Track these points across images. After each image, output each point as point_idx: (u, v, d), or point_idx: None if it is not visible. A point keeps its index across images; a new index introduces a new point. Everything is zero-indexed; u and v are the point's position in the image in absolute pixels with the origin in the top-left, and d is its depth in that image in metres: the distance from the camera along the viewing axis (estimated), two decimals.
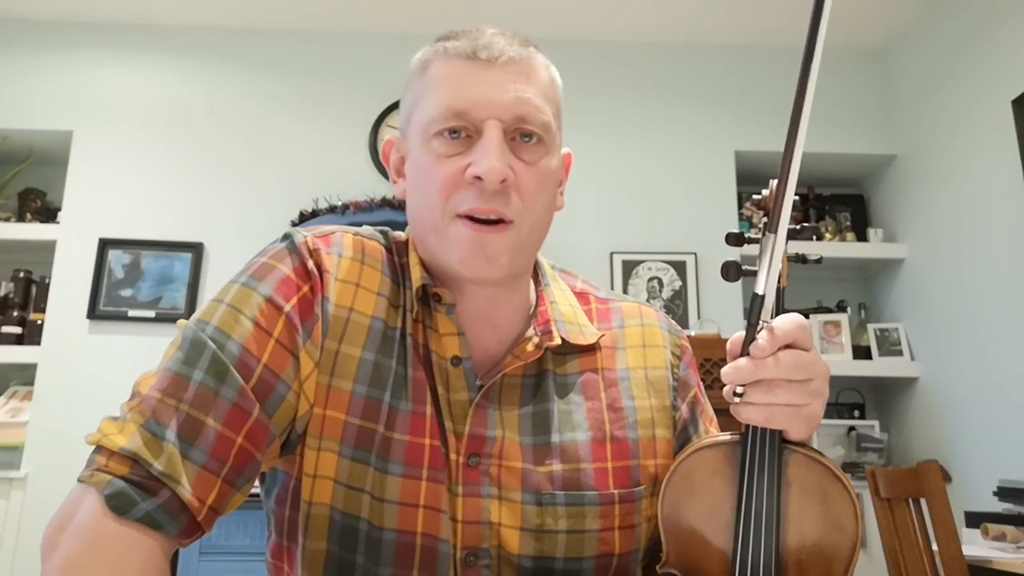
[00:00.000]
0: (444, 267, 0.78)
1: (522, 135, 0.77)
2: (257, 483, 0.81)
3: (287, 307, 0.74)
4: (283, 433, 0.73)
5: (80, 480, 0.65)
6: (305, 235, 0.79)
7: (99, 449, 0.66)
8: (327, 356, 0.75)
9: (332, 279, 0.77)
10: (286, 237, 0.80)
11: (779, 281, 0.71)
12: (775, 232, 0.68)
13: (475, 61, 0.77)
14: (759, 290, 0.68)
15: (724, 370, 0.69)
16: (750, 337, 0.68)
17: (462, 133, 0.76)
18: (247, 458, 0.69)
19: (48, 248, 3.11)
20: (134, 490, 0.64)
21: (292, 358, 0.73)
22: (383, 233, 0.86)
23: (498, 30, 0.80)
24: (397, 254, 0.83)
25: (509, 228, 0.75)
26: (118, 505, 0.63)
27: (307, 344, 0.74)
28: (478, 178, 0.74)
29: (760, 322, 0.68)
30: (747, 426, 0.71)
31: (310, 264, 0.77)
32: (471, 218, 0.75)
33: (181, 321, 0.75)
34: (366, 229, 0.85)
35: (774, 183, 0.69)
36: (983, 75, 2.86)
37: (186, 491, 0.65)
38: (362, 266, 0.80)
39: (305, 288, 0.76)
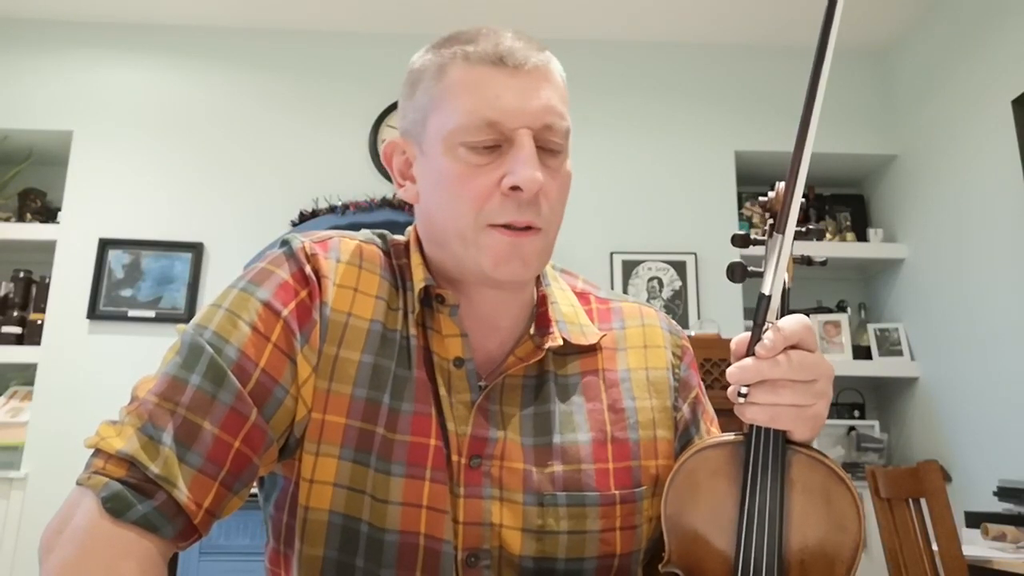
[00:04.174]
0: (471, 272, 0.77)
1: (547, 142, 0.76)
2: (256, 488, 0.81)
3: (285, 312, 0.74)
4: (281, 437, 0.73)
5: (78, 483, 0.66)
6: (303, 240, 0.79)
7: (97, 452, 0.67)
8: (325, 361, 0.75)
9: (330, 284, 0.77)
10: (284, 243, 0.80)
11: (784, 282, 0.71)
12: (782, 233, 0.67)
13: (501, 68, 0.75)
14: (765, 291, 0.68)
15: (729, 370, 0.69)
16: (756, 337, 0.68)
17: (492, 142, 0.75)
18: (244, 462, 0.69)
19: (48, 248, 3.11)
20: (130, 492, 0.64)
21: (290, 362, 0.73)
22: (381, 236, 0.86)
23: (514, 33, 0.79)
24: (395, 257, 0.83)
25: (539, 233, 0.76)
26: (114, 507, 0.63)
27: (304, 349, 0.74)
28: (515, 188, 0.73)
29: (766, 323, 0.68)
30: (751, 426, 0.71)
31: (308, 269, 0.77)
32: (505, 226, 0.74)
33: (180, 326, 0.75)
34: (364, 233, 0.85)
35: (781, 185, 0.69)
36: (983, 75, 2.86)
37: (182, 494, 0.65)
38: (360, 270, 0.80)
39: (303, 293, 0.76)
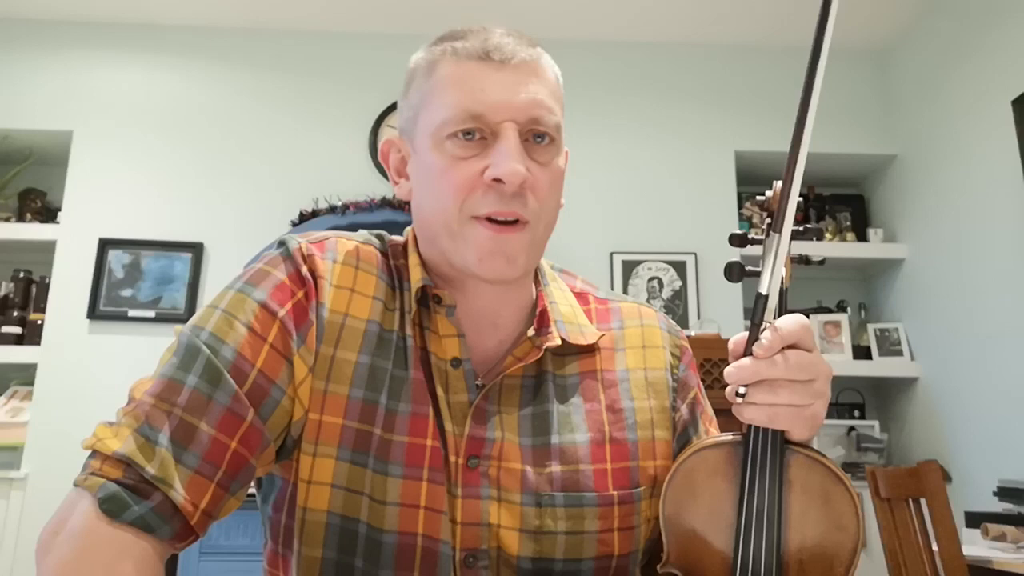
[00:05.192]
0: (459, 267, 0.77)
1: (535, 136, 0.76)
2: (255, 488, 0.81)
3: (281, 312, 0.74)
4: (278, 438, 0.73)
5: (75, 484, 0.66)
6: (300, 241, 0.79)
7: (93, 453, 0.67)
8: (322, 361, 0.74)
9: (327, 284, 0.77)
10: (281, 244, 0.80)
11: (782, 281, 0.71)
12: (779, 232, 0.67)
13: (488, 62, 0.76)
14: (763, 290, 0.68)
15: (727, 370, 0.69)
16: (753, 337, 0.68)
17: (477, 135, 0.75)
18: (241, 463, 0.69)
19: (48, 248, 3.11)
20: (127, 494, 0.64)
21: (286, 363, 0.73)
22: (379, 237, 0.86)
23: (504, 30, 0.79)
24: (393, 257, 0.83)
25: (526, 228, 0.75)
26: (111, 508, 0.63)
27: (301, 349, 0.74)
28: (497, 180, 0.73)
29: (763, 322, 0.68)
30: (749, 426, 0.70)
31: (304, 270, 0.77)
32: (489, 219, 0.74)
33: (178, 327, 0.75)
34: (361, 234, 0.85)
35: (778, 184, 0.69)
36: (983, 75, 2.86)
37: (179, 495, 0.65)
38: (356, 271, 0.79)
39: (299, 294, 0.76)
